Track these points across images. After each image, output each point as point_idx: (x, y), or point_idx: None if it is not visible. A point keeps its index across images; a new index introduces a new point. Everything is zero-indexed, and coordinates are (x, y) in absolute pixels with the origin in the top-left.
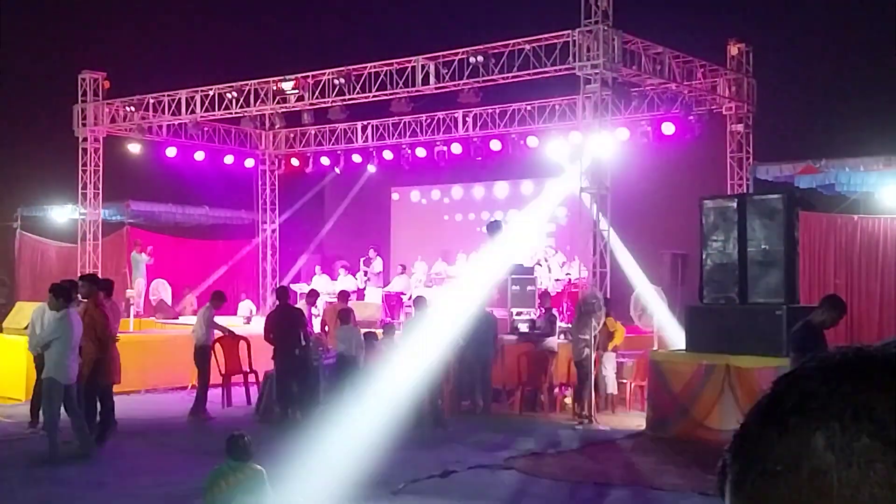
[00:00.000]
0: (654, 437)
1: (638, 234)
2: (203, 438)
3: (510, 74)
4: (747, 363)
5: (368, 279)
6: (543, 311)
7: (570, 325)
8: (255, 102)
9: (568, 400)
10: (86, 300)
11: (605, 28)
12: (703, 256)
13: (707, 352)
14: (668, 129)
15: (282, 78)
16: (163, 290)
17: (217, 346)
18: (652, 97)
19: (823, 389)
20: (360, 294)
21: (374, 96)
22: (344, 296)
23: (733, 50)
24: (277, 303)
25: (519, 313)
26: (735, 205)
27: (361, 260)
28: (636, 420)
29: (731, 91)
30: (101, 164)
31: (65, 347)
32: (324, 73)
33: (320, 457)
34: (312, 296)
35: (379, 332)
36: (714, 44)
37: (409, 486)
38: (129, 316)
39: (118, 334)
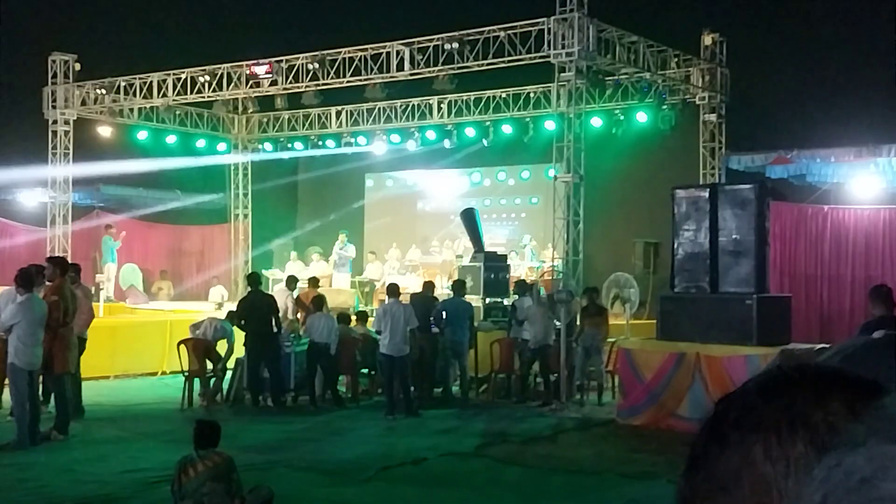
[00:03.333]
0: (625, 425)
1: (611, 223)
2: (172, 425)
3: (485, 62)
4: (717, 352)
5: (339, 263)
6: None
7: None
8: (228, 86)
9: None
10: (49, 283)
11: (580, 16)
12: (675, 246)
13: (678, 340)
14: (642, 117)
15: (255, 62)
16: (133, 274)
17: (183, 346)
18: (626, 86)
19: (761, 403)
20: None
21: (348, 82)
22: (314, 282)
23: (707, 40)
24: (249, 289)
25: (493, 301)
26: (707, 195)
27: (336, 244)
28: (607, 408)
29: (705, 81)
30: (71, 147)
31: (24, 332)
32: (297, 58)
33: (290, 444)
34: (292, 282)
35: (352, 318)
36: (688, 34)
37: (381, 473)
38: (98, 301)
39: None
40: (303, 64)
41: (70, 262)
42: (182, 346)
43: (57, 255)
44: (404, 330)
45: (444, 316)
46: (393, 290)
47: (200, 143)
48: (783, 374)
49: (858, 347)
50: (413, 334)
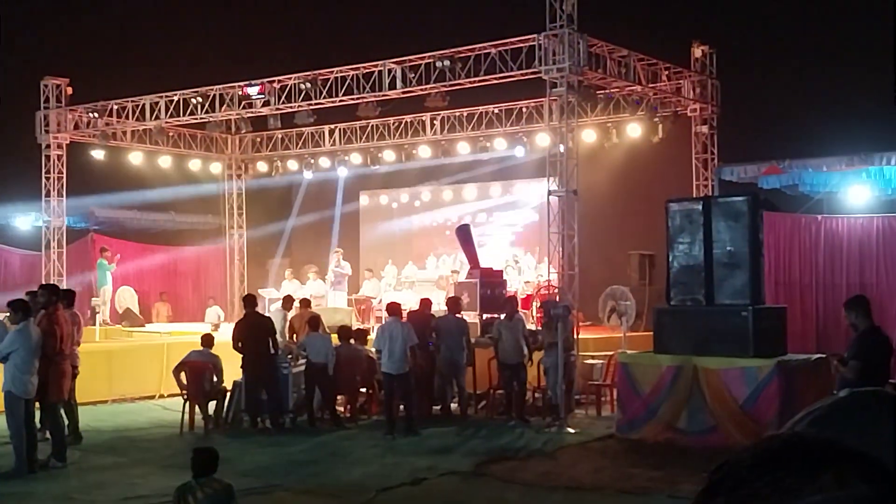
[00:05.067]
0: (624, 440)
1: (605, 236)
2: (171, 450)
3: (477, 78)
4: (715, 364)
5: (336, 281)
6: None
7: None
8: (221, 107)
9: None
10: (43, 309)
11: (570, 32)
12: (670, 259)
13: (675, 353)
14: (634, 130)
15: (247, 83)
16: (129, 297)
17: (183, 371)
18: (617, 100)
19: (754, 476)
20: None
21: (340, 100)
22: (306, 303)
23: (697, 52)
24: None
25: (489, 317)
26: (700, 207)
27: (331, 262)
28: (606, 422)
29: (696, 93)
30: (64, 171)
31: (22, 360)
32: (290, 78)
33: (289, 466)
34: (288, 302)
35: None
36: (678, 46)
37: (380, 494)
38: (94, 324)
39: (76, 345)
40: (295, 84)
41: (64, 287)
42: (180, 371)
43: (51, 281)
44: (404, 348)
45: (434, 334)
46: (393, 309)
47: (194, 164)
48: (775, 447)
49: (828, 410)
50: (413, 352)
